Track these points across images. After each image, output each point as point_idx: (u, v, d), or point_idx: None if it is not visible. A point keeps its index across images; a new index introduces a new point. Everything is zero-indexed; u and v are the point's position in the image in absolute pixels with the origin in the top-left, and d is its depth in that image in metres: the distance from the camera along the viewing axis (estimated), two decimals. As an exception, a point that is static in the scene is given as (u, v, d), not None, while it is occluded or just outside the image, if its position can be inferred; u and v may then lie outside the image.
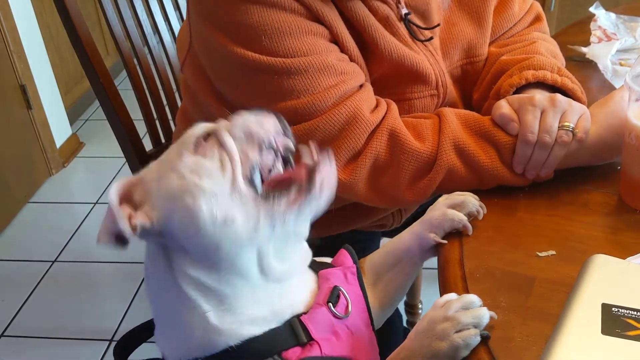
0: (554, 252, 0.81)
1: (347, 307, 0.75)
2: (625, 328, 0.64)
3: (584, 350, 0.63)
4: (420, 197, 0.93)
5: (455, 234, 0.85)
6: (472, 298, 0.70)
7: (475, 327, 0.68)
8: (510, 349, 0.68)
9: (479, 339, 0.68)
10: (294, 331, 0.70)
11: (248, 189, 0.67)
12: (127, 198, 0.69)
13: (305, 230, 0.73)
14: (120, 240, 0.66)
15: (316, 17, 0.93)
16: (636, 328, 0.64)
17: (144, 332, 0.81)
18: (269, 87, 0.91)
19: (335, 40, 0.95)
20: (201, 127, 0.72)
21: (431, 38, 1.02)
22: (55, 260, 2.26)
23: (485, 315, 0.69)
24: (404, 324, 1.81)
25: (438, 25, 1.03)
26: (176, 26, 1.54)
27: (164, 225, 0.67)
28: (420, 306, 1.81)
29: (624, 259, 0.77)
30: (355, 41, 0.97)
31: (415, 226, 0.86)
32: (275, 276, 0.70)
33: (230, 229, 0.66)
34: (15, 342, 1.96)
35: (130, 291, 2.10)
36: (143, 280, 2.14)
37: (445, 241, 0.84)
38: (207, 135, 0.70)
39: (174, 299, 0.69)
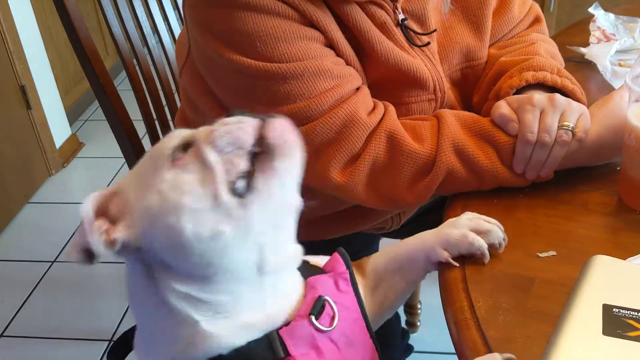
0: (554, 253, 0.81)
1: (332, 318, 0.72)
2: (627, 329, 0.64)
3: (585, 351, 0.63)
4: (420, 198, 0.93)
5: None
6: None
7: None
8: (510, 350, 0.67)
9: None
10: (271, 346, 0.67)
11: (232, 199, 0.63)
12: (102, 211, 0.66)
13: (295, 198, 0.68)
14: (88, 255, 0.63)
15: (310, 22, 0.93)
16: (637, 329, 0.64)
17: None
18: (266, 92, 0.91)
19: (330, 44, 0.95)
20: (178, 137, 0.67)
21: (428, 43, 1.02)
22: (54, 261, 2.26)
23: None
24: (403, 324, 1.81)
25: (434, 30, 1.03)
26: (175, 27, 1.54)
27: (144, 242, 0.64)
28: (419, 306, 1.81)
29: (624, 259, 0.77)
30: (351, 45, 0.97)
31: (428, 237, 0.83)
32: (271, 269, 0.67)
33: (219, 243, 0.62)
34: (14, 343, 1.96)
35: (130, 292, 2.10)
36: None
37: (457, 264, 0.80)
38: (186, 145, 0.66)
39: (158, 312, 0.66)
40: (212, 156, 0.64)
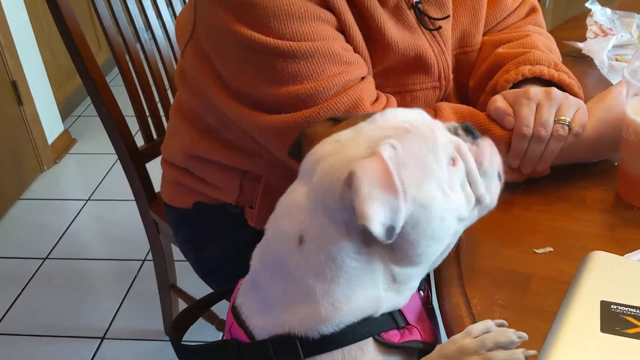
0: (551, 249, 0.80)
1: (427, 294, 0.76)
2: (625, 326, 0.63)
3: (583, 348, 0.62)
4: None
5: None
6: (511, 337, 0.64)
7: None
8: (507, 347, 0.67)
9: None
10: (392, 315, 0.68)
11: (475, 208, 0.70)
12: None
13: None
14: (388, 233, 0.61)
15: (326, 4, 0.92)
16: (635, 326, 0.63)
17: (196, 311, 0.81)
18: (274, 70, 0.90)
19: (342, 28, 0.94)
20: (449, 143, 0.69)
21: (440, 27, 1.01)
22: (46, 258, 2.24)
23: (521, 359, 0.63)
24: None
25: (448, 16, 1.02)
26: (168, 21, 1.52)
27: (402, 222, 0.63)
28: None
29: (622, 255, 0.76)
30: (361, 31, 0.96)
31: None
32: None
33: (458, 225, 0.68)
34: (6, 340, 1.94)
35: (122, 289, 2.08)
36: (135, 277, 2.14)
37: None
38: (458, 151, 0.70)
39: (345, 273, 0.64)
40: (479, 181, 0.70)
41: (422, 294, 0.75)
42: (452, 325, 0.72)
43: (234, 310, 0.72)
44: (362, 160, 0.62)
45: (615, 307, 0.66)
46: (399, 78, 1.01)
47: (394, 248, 0.65)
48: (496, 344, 0.64)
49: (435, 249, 0.67)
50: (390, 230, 0.61)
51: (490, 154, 0.72)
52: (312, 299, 0.65)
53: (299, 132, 0.75)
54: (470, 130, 0.73)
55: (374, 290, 0.66)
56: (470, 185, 0.70)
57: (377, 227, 0.59)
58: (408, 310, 0.70)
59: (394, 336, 0.68)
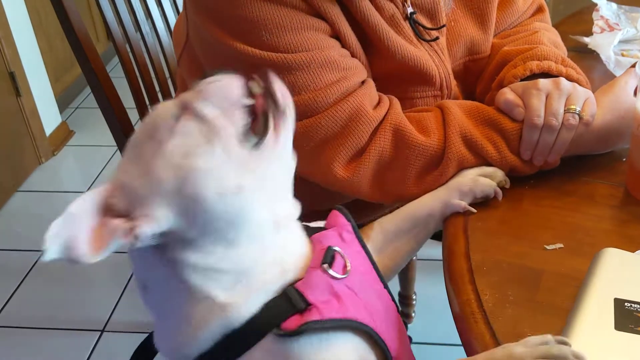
0: (561, 245, 0.80)
1: (344, 266, 0.71)
2: (639, 323, 0.63)
3: (598, 346, 0.61)
4: (426, 191, 0.91)
5: (458, 221, 0.85)
6: (567, 353, 0.60)
7: None
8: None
9: None
10: (290, 299, 0.65)
11: (243, 150, 0.63)
12: (106, 211, 0.62)
13: (290, 153, 0.69)
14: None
15: (317, 13, 0.91)
16: (650, 323, 0.63)
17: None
18: None
19: (336, 36, 0.93)
20: (168, 107, 0.65)
21: (437, 38, 1.00)
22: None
23: None
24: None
25: (444, 26, 1.01)
26: (169, 12, 1.50)
27: (164, 224, 0.61)
28: (414, 297, 1.80)
29: (633, 252, 0.76)
30: (358, 39, 0.95)
31: (441, 192, 0.87)
32: (283, 221, 0.68)
33: (241, 198, 0.62)
34: (5, 333, 1.93)
35: (122, 281, 2.08)
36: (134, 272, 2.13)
37: (474, 210, 0.85)
38: (179, 113, 0.64)
39: (174, 296, 0.65)
40: (210, 111, 0.63)
41: (328, 268, 0.69)
42: (463, 321, 0.71)
43: None
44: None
45: (629, 304, 0.65)
46: (398, 86, 1.00)
47: (187, 242, 0.62)
48: (548, 355, 0.60)
49: (225, 207, 0.62)
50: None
51: (209, 84, 0.66)
52: (179, 320, 0.66)
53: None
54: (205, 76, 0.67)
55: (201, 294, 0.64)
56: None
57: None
58: (308, 288, 0.66)
59: (293, 321, 0.64)
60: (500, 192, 0.87)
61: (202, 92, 0.65)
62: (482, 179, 0.87)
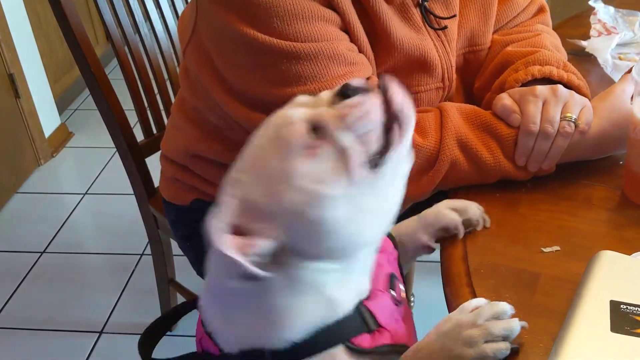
0: (558, 248, 0.80)
1: (401, 294, 0.73)
2: (635, 326, 0.63)
3: (594, 348, 0.62)
4: (423, 192, 0.92)
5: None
6: (504, 307, 0.66)
7: (505, 339, 0.64)
8: (516, 347, 0.66)
9: (508, 352, 0.64)
10: (362, 317, 0.66)
11: (370, 173, 0.61)
12: (236, 229, 0.61)
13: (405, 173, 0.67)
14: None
15: (329, 3, 0.91)
16: (645, 326, 0.63)
17: (165, 323, 0.78)
18: (277, 71, 0.89)
19: (346, 28, 0.93)
20: (299, 122, 0.61)
21: (445, 27, 1.01)
22: (44, 252, 2.23)
23: (517, 327, 0.65)
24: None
25: (454, 15, 1.01)
26: (168, 14, 1.51)
27: (284, 241, 0.61)
28: (412, 299, 1.80)
29: (629, 255, 0.76)
30: (366, 31, 0.95)
31: (411, 223, 0.84)
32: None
33: (367, 219, 0.63)
34: (3, 334, 1.93)
35: (120, 283, 2.08)
36: (133, 272, 2.13)
37: (435, 246, 0.83)
38: (315, 133, 0.61)
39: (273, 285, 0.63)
40: (349, 141, 0.61)
41: (394, 293, 0.72)
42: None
43: (204, 322, 0.71)
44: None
45: (625, 306, 0.65)
46: (402, 79, 1.00)
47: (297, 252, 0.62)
48: (492, 315, 0.65)
49: (344, 230, 0.62)
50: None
51: (353, 108, 0.62)
52: (268, 317, 0.65)
53: None
54: (344, 93, 0.63)
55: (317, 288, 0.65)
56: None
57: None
58: (379, 311, 0.68)
59: (365, 340, 0.66)
60: (461, 229, 0.82)
61: (345, 120, 0.61)
62: (444, 213, 0.83)
